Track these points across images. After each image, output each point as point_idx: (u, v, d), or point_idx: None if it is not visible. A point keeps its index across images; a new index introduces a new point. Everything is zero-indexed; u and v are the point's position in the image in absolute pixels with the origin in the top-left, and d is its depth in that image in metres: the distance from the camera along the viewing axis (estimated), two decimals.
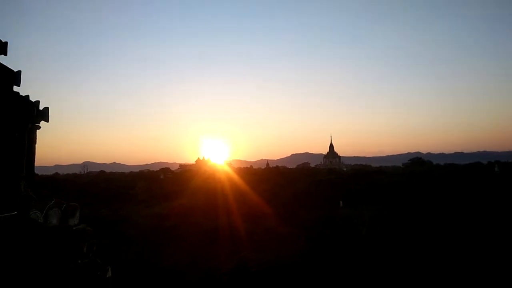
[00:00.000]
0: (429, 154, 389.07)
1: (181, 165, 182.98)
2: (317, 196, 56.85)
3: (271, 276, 21.46)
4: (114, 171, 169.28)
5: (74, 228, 4.63)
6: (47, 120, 5.88)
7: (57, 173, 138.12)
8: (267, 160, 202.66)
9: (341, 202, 53.49)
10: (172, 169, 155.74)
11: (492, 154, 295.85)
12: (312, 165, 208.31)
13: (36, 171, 6.04)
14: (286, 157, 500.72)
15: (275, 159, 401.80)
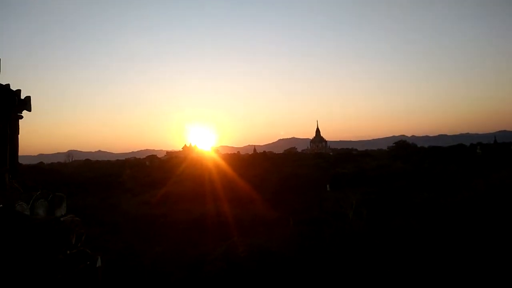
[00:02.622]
0: (413, 136, 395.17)
1: (167, 152, 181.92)
2: (304, 180, 57.36)
3: (261, 260, 21.75)
4: (100, 159, 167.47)
5: (62, 219, 4.59)
6: (29, 110, 5.75)
7: (41, 162, 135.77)
8: (254, 145, 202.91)
9: (328, 186, 54.14)
10: (159, 156, 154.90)
11: (475, 136, 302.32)
12: (299, 150, 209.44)
13: (20, 161, 5.94)
14: (273, 142, 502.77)
15: (262, 144, 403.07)
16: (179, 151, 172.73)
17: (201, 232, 31.15)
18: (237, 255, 22.59)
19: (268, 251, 22.85)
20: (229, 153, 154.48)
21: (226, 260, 22.11)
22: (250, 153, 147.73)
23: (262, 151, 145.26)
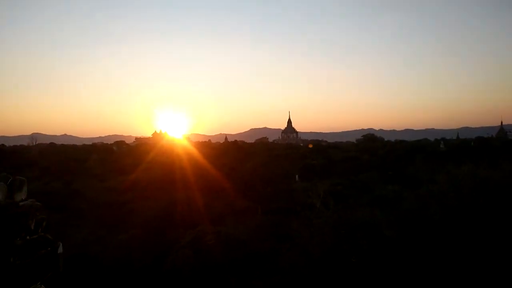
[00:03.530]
0: (381, 130, 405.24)
1: (136, 138, 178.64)
2: (274, 170, 57.87)
3: (228, 248, 21.88)
4: (65, 143, 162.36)
5: (21, 203, 4.43)
6: None
7: (3, 144, 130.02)
8: (226, 134, 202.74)
9: (297, 176, 54.86)
10: (128, 142, 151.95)
11: (439, 131, 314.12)
12: (271, 140, 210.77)
13: None
14: (245, 131, 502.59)
15: (234, 133, 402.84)
16: (149, 137, 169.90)
17: (169, 220, 30.93)
18: (205, 243, 22.62)
19: (236, 239, 23.01)
20: (201, 141, 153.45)
21: (193, 248, 22.10)
22: (221, 142, 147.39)
23: (233, 140, 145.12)
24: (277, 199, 39.54)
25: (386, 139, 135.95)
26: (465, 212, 20.61)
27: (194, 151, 77.35)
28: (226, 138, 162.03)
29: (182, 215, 31.50)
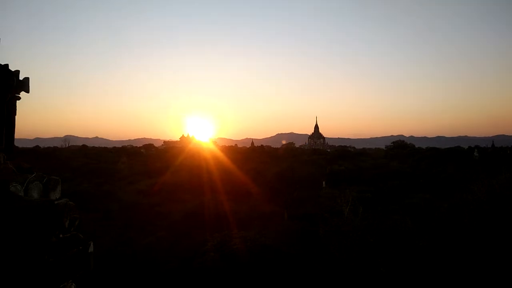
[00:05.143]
0: (411, 137, 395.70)
1: (165, 142, 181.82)
2: (301, 175, 57.33)
3: (253, 253, 21.77)
4: (96, 146, 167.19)
5: (55, 202, 4.50)
6: (27, 91, 5.66)
7: (37, 146, 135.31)
8: (252, 139, 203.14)
9: (324, 182, 54.14)
10: (156, 145, 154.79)
11: (473, 139, 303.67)
12: (297, 145, 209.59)
13: (16, 143, 5.85)
14: (271, 136, 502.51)
15: (260, 138, 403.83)
16: (177, 141, 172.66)
17: (196, 223, 31.15)
18: (230, 248, 22.59)
19: (262, 244, 22.85)
20: (227, 145, 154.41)
21: (219, 252, 22.11)
22: (248, 146, 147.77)
23: (260, 145, 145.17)
24: (303, 204, 39.11)
25: (416, 146, 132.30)
26: (502, 222, 19.69)
27: (221, 155, 77.87)
28: (252, 143, 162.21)
29: (208, 219, 31.65)
